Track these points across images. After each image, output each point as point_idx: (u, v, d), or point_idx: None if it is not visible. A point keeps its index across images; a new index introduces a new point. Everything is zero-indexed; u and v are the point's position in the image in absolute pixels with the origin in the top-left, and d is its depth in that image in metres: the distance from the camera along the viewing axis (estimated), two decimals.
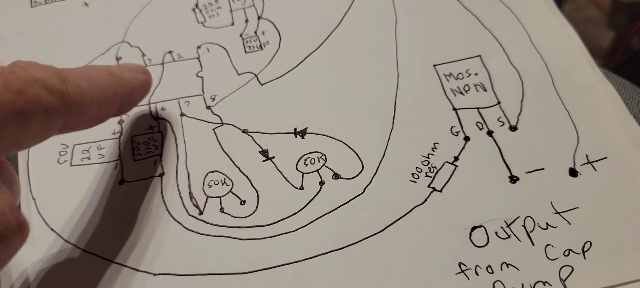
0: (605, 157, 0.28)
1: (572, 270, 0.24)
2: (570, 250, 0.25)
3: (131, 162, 0.30)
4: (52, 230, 0.27)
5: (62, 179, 0.29)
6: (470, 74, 0.31)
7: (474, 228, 0.26)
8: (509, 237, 0.26)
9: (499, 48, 0.32)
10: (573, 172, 0.27)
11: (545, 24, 0.33)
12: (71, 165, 0.29)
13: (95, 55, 0.34)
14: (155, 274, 0.26)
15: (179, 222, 0.27)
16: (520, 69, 0.31)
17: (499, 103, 0.30)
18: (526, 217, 0.26)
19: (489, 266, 0.25)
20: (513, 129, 0.29)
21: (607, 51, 0.91)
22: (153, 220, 0.27)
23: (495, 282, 0.24)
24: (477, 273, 0.25)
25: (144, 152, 0.30)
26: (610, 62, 0.81)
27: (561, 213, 0.26)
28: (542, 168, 0.28)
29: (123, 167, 0.29)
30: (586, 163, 0.28)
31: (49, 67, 0.21)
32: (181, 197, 0.28)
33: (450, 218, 0.26)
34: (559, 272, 0.24)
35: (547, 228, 0.26)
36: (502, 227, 0.26)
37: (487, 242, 0.25)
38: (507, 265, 0.25)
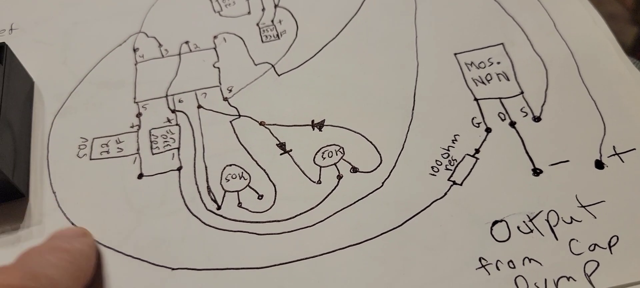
0: (634, 149, 0.27)
1: (598, 265, 0.24)
2: (596, 244, 0.24)
3: (149, 155, 0.30)
4: (72, 224, 0.28)
5: (82, 173, 0.29)
6: (492, 63, 0.30)
7: (495, 222, 0.25)
8: (532, 231, 0.25)
9: (522, 35, 0.31)
10: (599, 164, 0.26)
11: (571, 10, 0.32)
12: (90, 159, 0.30)
13: (113, 46, 0.34)
14: (173, 269, 0.26)
15: (197, 217, 0.27)
16: (544, 57, 0.30)
17: (522, 93, 0.29)
18: (550, 211, 0.25)
19: (511, 261, 0.24)
20: (537, 119, 0.28)
21: (630, 47, 0.89)
22: (172, 215, 0.28)
23: (516, 277, 0.24)
24: (498, 268, 0.24)
25: (162, 145, 0.30)
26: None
27: (586, 207, 0.25)
28: (567, 161, 0.27)
29: (141, 160, 0.29)
30: (613, 155, 0.27)
31: (13, 268, 0.21)
32: (199, 192, 0.28)
33: (471, 212, 0.26)
34: (584, 267, 0.24)
35: (571, 223, 0.25)
36: (524, 222, 0.25)
37: (509, 237, 0.25)
38: (530, 260, 0.24)
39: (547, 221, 0.25)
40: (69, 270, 0.23)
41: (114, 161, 0.29)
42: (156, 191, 0.28)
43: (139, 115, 0.31)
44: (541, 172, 0.27)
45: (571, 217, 0.25)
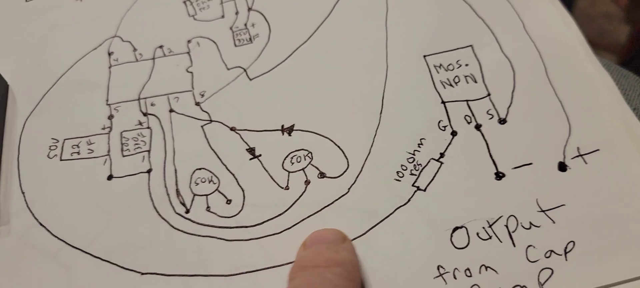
0: (598, 149, 0.27)
1: (552, 272, 0.24)
2: (552, 251, 0.24)
3: (120, 157, 0.30)
4: (41, 225, 0.28)
5: (52, 174, 0.29)
6: (461, 65, 0.30)
7: (455, 229, 0.26)
8: (490, 237, 0.25)
9: (491, 37, 0.31)
10: (562, 166, 0.27)
11: (540, 11, 0.32)
12: (61, 160, 0.30)
13: (88, 50, 0.34)
14: (142, 273, 0.26)
15: (165, 220, 0.28)
16: (512, 58, 0.30)
17: (489, 95, 0.29)
18: (509, 217, 0.26)
19: (468, 269, 0.25)
20: (502, 121, 0.28)
21: (624, 46, 0.89)
22: (140, 217, 0.28)
23: (472, 285, 0.24)
24: (455, 277, 0.24)
25: (133, 147, 0.30)
26: (626, 55, 0.78)
27: (546, 212, 0.26)
28: (530, 163, 0.27)
29: (112, 162, 0.30)
30: (577, 156, 0.27)
31: None
32: (168, 194, 0.29)
33: (433, 219, 0.26)
34: (539, 275, 0.24)
35: (530, 228, 0.25)
36: (484, 228, 0.25)
37: (468, 244, 0.25)
38: (486, 267, 0.24)
39: (507, 227, 0.25)
40: (349, 287, 0.23)
41: (84, 162, 0.30)
42: (125, 193, 0.29)
43: (110, 117, 0.31)
44: (503, 176, 0.27)
45: (530, 222, 0.25)
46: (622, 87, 0.34)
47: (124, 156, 0.30)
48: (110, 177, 0.29)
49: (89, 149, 0.30)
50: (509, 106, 0.29)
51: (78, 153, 0.30)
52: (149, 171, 0.29)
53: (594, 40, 1.09)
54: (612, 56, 1.01)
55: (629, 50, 0.78)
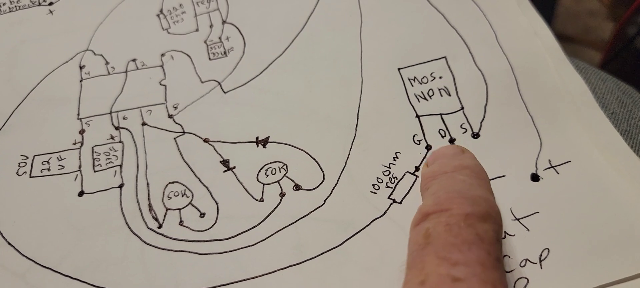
0: (569, 161, 0.27)
1: (528, 282, 0.24)
2: (527, 260, 0.25)
3: (91, 173, 0.29)
4: (9, 244, 0.27)
5: (21, 191, 0.29)
6: (434, 78, 0.31)
7: None
8: None
9: (464, 49, 0.32)
10: (535, 177, 0.27)
11: (513, 22, 0.32)
12: (30, 177, 0.29)
13: (59, 64, 0.34)
14: None
15: (137, 236, 0.27)
16: (485, 71, 0.31)
17: (462, 108, 0.30)
18: None
19: None
20: (475, 135, 0.29)
21: (607, 43, 0.91)
22: (112, 234, 0.27)
23: None
24: None
25: (104, 162, 0.30)
26: (608, 52, 0.80)
27: (520, 220, 0.26)
28: (503, 176, 0.27)
29: (83, 178, 0.29)
30: (549, 168, 0.27)
31: (448, 198, 0.21)
32: (140, 209, 0.28)
33: (408, 231, 0.26)
34: (514, 285, 0.24)
35: (505, 237, 0.25)
36: None
37: None
38: None
39: None
40: (482, 185, 0.22)
41: (55, 179, 0.29)
42: (97, 209, 0.28)
43: (82, 131, 0.31)
44: None
45: (505, 232, 0.25)
46: (600, 91, 0.34)
47: (95, 171, 0.29)
48: (81, 193, 0.28)
49: (59, 165, 0.29)
50: (482, 120, 0.29)
51: (48, 169, 0.29)
52: (120, 186, 0.29)
53: (579, 37, 1.11)
54: (596, 53, 1.03)
55: (613, 47, 0.80)
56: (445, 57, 0.31)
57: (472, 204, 0.20)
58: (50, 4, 0.36)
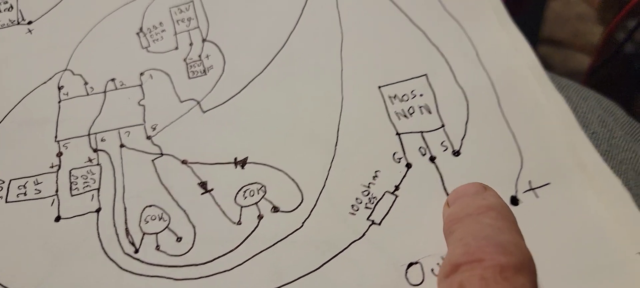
0: (548, 183, 0.27)
1: None
2: None
3: (68, 197, 0.29)
4: None
5: None
6: (415, 95, 0.30)
7: (410, 264, 0.25)
8: None
9: (445, 66, 0.31)
10: (514, 201, 0.27)
11: (493, 38, 0.32)
12: (6, 202, 0.29)
13: (37, 84, 0.33)
14: None
15: (113, 261, 0.27)
16: (466, 88, 0.30)
17: (443, 126, 0.29)
18: None
19: None
20: (456, 153, 0.28)
21: (597, 48, 0.91)
22: (88, 259, 0.27)
23: None
24: None
25: (82, 186, 0.29)
26: (597, 57, 0.80)
27: None
28: None
29: (60, 202, 0.29)
30: (529, 190, 0.27)
31: (479, 248, 0.20)
32: (117, 234, 0.28)
33: (388, 254, 0.26)
34: None
35: None
36: (438, 264, 0.25)
37: (423, 280, 0.25)
38: None
39: None
40: (511, 227, 0.21)
41: (31, 203, 0.29)
42: (73, 234, 0.28)
43: (59, 154, 0.30)
44: None
45: None
46: (581, 110, 0.34)
47: (72, 195, 0.29)
48: (58, 218, 0.28)
49: (36, 189, 0.29)
50: (463, 138, 0.29)
51: (25, 194, 0.29)
52: (98, 210, 0.28)
53: (568, 41, 1.11)
54: (585, 57, 1.03)
55: (601, 52, 0.80)
56: (426, 74, 0.31)
57: (505, 253, 0.19)
58: (29, 22, 0.36)
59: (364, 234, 0.26)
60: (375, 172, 0.28)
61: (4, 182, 0.30)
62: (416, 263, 0.25)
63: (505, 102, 0.30)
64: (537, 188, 0.27)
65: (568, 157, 0.28)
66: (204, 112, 0.31)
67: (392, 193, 0.28)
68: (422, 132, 0.29)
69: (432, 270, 0.25)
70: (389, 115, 0.30)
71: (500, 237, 0.20)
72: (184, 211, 0.28)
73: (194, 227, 0.28)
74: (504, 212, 0.22)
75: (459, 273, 0.20)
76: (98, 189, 0.29)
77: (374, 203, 0.27)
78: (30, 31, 0.36)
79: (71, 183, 0.29)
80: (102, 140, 0.31)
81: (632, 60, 0.94)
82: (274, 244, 0.27)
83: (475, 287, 0.19)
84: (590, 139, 0.30)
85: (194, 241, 0.27)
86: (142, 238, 0.27)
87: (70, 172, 0.30)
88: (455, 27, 0.33)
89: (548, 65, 1.12)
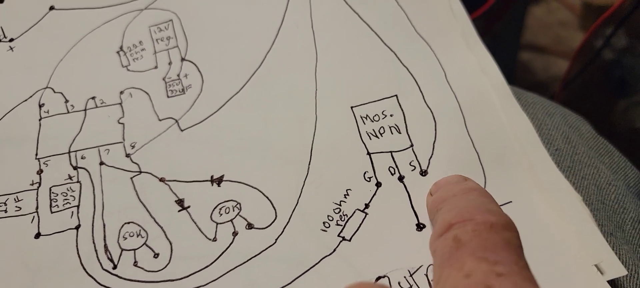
0: (510, 201, 0.28)
1: None
2: None
3: (48, 214, 0.30)
4: None
5: None
6: (386, 115, 0.32)
7: (378, 278, 0.26)
8: (411, 286, 0.26)
9: (415, 87, 0.32)
10: None
11: (461, 60, 0.33)
12: None
13: (18, 102, 0.34)
14: None
15: (92, 277, 0.28)
16: (434, 108, 0.31)
17: (412, 146, 0.30)
18: (429, 266, 0.27)
19: None
20: (423, 173, 0.29)
21: (573, 55, 0.93)
22: (67, 276, 0.28)
23: None
24: None
25: (62, 203, 0.30)
26: (573, 64, 0.81)
27: None
28: None
29: (40, 219, 0.30)
30: None
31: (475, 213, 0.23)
32: (96, 250, 0.29)
33: (357, 269, 0.27)
34: None
35: None
36: (405, 277, 0.26)
37: None
38: None
39: (426, 276, 0.26)
40: (493, 201, 0.24)
41: (11, 221, 0.30)
42: (53, 251, 0.28)
43: (39, 172, 0.31)
44: (424, 226, 0.28)
45: None
46: (546, 127, 0.36)
47: (52, 212, 0.30)
48: (37, 235, 0.29)
49: (16, 207, 0.30)
50: (430, 157, 0.30)
51: (5, 211, 0.30)
52: (77, 227, 0.29)
53: (550, 47, 1.14)
54: (567, 63, 1.05)
55: (578, 58, 0.81)
56: (396, 95, 0.32)
57: (493, 214, 0.22)
58: (11, 40, 0.37)
59: (334, 250, 0.28)
60: (347, 190, 0.29)
61: None
62: (384, 276, 0.26)
63: (470, 123, 0.31)
64: (500, 206, 0.28)
65: (529, 175, 0.29)
66: (182, 130, 0.32)
67: (363, 210, 0.29)
68: (391, 152, 0.30)
69: (399, 283, 0.26)
70: (360, 135, 0.31)
71: (487, 206, 0.23)
72: (162, 228, 0.29)
73: (170, 243, 0.28)
74: (485, 191, 0.25)
75: (453, 230, 0.22)
76: (78, 206, 0.30)
77: (345, 221, 0.28)
78: (11, 48, 0.37)
79: (51, 200, 0.30)
80: (82, 158, 0.32)
81: (610, 68, 0.96)
82: (248, 260, 0.28)
83: (469, 235, 0.21)
84: (553, 155, 0.32)
85: (170, 257, 0.28)
86: (120, 255, 0.28)
87: (50, 189, 0.30)
88: (425, 48, 0.34)
89: (530, 70, 1.15)
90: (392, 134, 0.31)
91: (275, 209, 0.29)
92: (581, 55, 0.85)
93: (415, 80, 0.33)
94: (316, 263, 0.27)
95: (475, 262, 0.20)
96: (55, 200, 0.30)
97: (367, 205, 0.29)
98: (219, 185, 0.30)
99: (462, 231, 0.22)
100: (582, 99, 0.97)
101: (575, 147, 0.33)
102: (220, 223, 0.29)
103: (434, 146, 0.30)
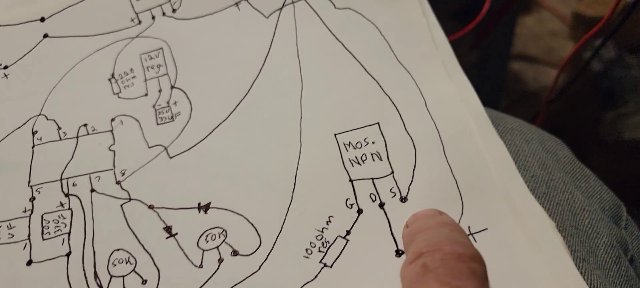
0: (486, 229, 0.29)
1: None
2: None
3: (40, 241, 0.31)
4: None
5: None
6: (368, 143, 0.33)
7: None
8: None
9: (396, 115, 0.33)
10: None
11: (441, 89, 0.34)
12: None
13: (12, 129, 0.35)
14: None
15: None
16: (414, 136, 0.33)
17: (392, 173, 0.31)
18: None
19: None
20: (403, 199, 0.30)
21: (560, 66, 0.94)
22: None
23: None
24: None
25: (53, 230, 0.31)
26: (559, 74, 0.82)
27: None
28: None
29: (31, 246, 0.31)
30: (468, 235, 0.29)
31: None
32: (86, 277, 0.30)
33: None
34: None
35: None
36: None
37: None
38: None
39: None
40: (465, 236, 0.26)
41: (4, 248, 0.30)
42: (44, 278, 0.29)
43: (32, 199, 0.32)
44: (402, 253, 0.29)
45: None
46: (523, 153, 0.37)
47: (44, 240, 0.31)
48: (29, 262, 0.30)
49: (9, 234, 0.31)
50: (410, 184, 0.31)
51: None
52: (68, 254, 0.30)
53: (540, 57, 1.15)
54: (557, 72, 1.06)
55: (568, 70, 0.82)
56: (378, 122, 0.33)
57: (461, 246, 0.24)
58: (5, 67, 0.38)
59: (316, 276, 0.29)
60: (329, 217, 0.30)
61: None
62: None
63: (449, 150, 0.32)
64: (475, 233, 0.29)
65: (505, 203, 0.30)
66: (171, 157, 0.33)
67: (344, 237, 0.30)
68: (373, 179, 0.31)
69: None
70: (343, 162, 0.32)
71: (457, 238, 0.25)
72: (150, 255, 0.30)
73: (158, 269, 0.29)
74: (458, 226, 0.27)
75: (422, 258, 0.24)
76: (69, 233, 0.31)
77: (327, 247, 0.29)
78: (5, 76, 0.38)
79: (43, 227, 0.31)
80: (73, 185, 0.33)
81: (599, 79, 0.98)
82: (232, 287, 0.29)
83: (437, 263, 0.23)
84: (529, 181, 0.33)
85: (158, 284, 0.29)
86: (109, 281, 0.29)
87: (42, 217, 0.31)
88: (406, 77, 0.35)
89: (520, 80, 1.16)
90: (373, 161, 0.32)
91: (259, 236, 0.30)
92: (569, 66, 0.86)
93: (397, 108, 0.34)
94: None
95: (440, 287, 0.21)
96: (47, 227, 0.31)
97: (348, 232, 0.30)
98: (205, 212, 0.31)
99: (431, 259, 0.23)
100: (570, 110, 0.98)
101: (551, 173, 0.35)
102: (207, 250, 0.30)
103: (413, 173, 0.31)
